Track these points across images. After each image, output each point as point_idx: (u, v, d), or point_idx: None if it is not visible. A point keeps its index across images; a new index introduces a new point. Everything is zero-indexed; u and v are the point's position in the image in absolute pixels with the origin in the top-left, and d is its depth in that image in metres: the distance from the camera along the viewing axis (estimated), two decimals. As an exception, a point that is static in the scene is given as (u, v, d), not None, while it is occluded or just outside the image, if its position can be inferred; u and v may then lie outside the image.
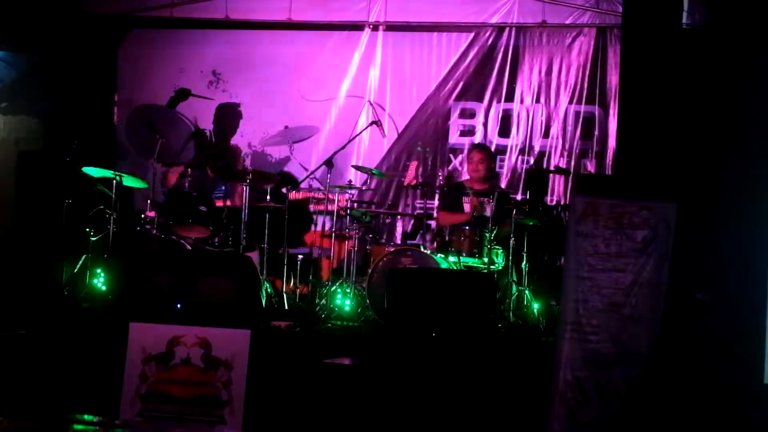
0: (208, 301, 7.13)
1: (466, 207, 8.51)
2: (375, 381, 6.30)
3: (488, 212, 8.03)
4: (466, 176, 9.06)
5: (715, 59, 6.28)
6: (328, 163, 8.43)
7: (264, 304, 7.82)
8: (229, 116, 9.74)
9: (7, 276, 8.01)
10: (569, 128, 9.46)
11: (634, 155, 6.25)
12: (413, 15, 9.68)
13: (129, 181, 8.31)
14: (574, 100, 9.44)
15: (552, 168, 9.26)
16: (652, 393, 5.54)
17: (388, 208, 9.52)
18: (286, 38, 9.94)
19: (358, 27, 9.77)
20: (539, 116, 9.53)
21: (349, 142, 9.11)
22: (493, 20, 9.54)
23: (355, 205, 8.56)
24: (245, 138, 9.85)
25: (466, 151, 9.49)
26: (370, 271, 8.01)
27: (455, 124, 9.76)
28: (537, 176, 9.10)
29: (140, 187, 8.61)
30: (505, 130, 9.61)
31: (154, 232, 8.10)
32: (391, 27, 9.74)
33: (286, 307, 8.13)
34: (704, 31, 6.44)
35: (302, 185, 9.29)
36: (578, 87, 9.42)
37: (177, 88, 9.68)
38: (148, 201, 8.38)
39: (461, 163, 9.58)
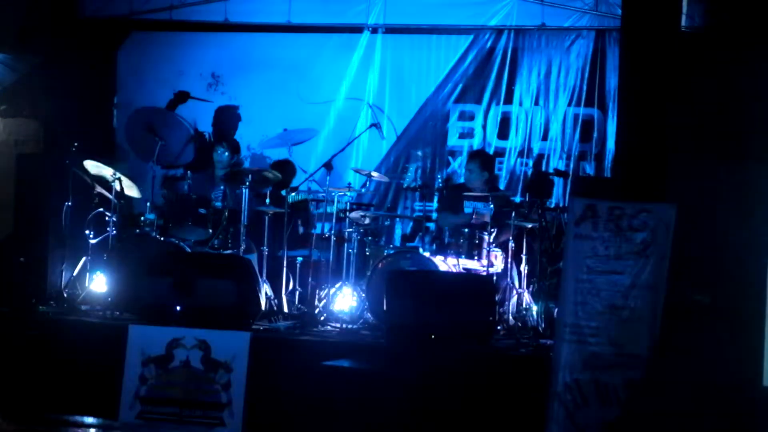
0: (207, 303, 7.14)
1: (466, 209, 8.50)
2: (374, 383, 6.31)
3: (487, 215, 8.04)
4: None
5: (713, 61, 6.29)
6: (327, 165, 8.43)
7: (263, 306, 7.83)
8: (228, 119, 9.73)
9: (7, 278, 8.02)
10: (568, 131, 9.45)
11: (632, 157, 6.26)
12: (412, 17, 9.66)
13: (127, 190, 8.30)
14: (573, 103, 9.43)
15: (551, 170, 9.25)
16: (651, 395, 5.55)
17: (387, 210, 9.51)
18: (285, 41, 9.93)
19: (357, 29, 9.76)
20: (538, 118, 9.52)
21: (348, 144, 9.11)
22: (492, 23, 9.53)
23: (354, 207, 8.56)
24: (244, 140, 9.84)
25: (465, 155, 9.49)
26: (369, 273, 8.01)
27: (454, 126, 9.75)
28: (540, 179, 9.10)
29: (137, 197, 8.60)
30: (504, 133, 9.59)
31: (154, 234, 8.11)
32: (391, 29, 9.72)
33: (286, 310, 8.14)
34: (703, 34, 6.45)
35: (301, 188, 9.28)
36: (577, 89, 9.40)
37: (176, 91, 9.68)
38: (148, 203, 8.38)
39: (460, 166, 9.58)
